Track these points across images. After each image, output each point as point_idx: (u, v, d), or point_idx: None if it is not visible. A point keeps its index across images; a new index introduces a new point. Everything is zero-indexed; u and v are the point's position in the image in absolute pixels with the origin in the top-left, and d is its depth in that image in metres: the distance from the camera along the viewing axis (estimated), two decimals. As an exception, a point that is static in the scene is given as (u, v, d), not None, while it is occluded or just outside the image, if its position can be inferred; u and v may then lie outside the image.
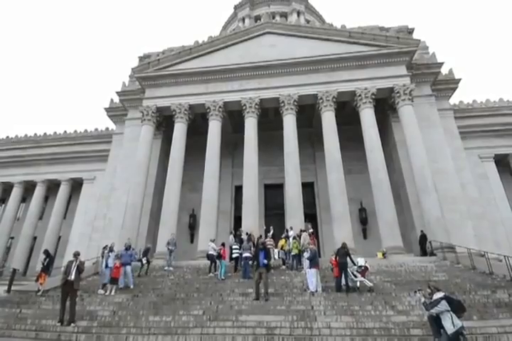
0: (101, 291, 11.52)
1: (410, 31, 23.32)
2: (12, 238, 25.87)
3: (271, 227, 15.66)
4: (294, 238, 13.78)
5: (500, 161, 21.72)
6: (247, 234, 14.59)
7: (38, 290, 12.03)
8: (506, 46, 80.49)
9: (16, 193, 26.42)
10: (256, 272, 10.27)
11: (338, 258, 10.69)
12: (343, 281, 10.43)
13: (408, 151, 17.64)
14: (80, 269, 9.11)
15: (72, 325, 8.73)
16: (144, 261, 13.99)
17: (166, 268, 14.43)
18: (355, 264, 10.83)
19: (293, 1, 39.03)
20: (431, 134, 18.84)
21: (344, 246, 11.09)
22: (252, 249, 12.30)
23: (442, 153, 18.50)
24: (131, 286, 11.99)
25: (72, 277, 8.89)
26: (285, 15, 37.46)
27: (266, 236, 14.94)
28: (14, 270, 15.66)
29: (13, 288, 13.26)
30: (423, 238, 15.61)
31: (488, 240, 16.41)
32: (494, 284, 10.25)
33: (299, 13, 38.46)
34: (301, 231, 14.13)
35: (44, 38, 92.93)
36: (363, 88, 18.70)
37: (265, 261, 10.39)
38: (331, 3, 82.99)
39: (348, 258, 10.67)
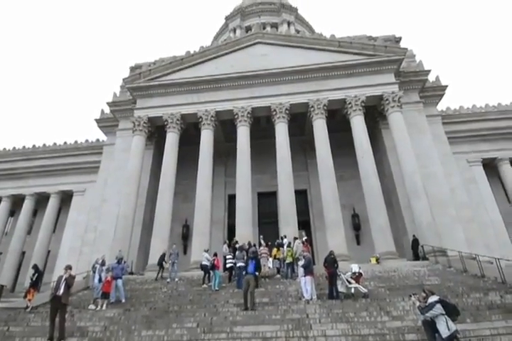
0: (92, 306, 11.21)
1: (398, 40, 24.03)
2: (0, 253, 25.20)
3: (261, 236, 15.64)
4: (288, 246, 13.75)
5: (488, 165, 22.18)
6: (236, 242, 14.55)
7: (27, 307, 11.66)
8: (492, 52, 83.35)
9: (3, 207, 25.89)
10: (244, 281, 10.18)
11: (327, 266, 10.73)
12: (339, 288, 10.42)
13: (398, 157, 17.94)
14: (68, 283, 8.86)
15: (62, 341, 8.45)
16: (166, 265, 14.66)
17: (168, 280, 14.11)
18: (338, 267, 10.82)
19: (283, 12, 39.97)
20: (420, 140, 19.23)
21: (331, 253, 11.24)
22: (245, 258, 12.22)
23: (431, 158, 18.85)
24: (123, 300, 11.72)
25: (61, 291, 8.64)
26: (275, 26, 38.29)
27: (260, 245, 14.87)
28: (2, 286, 15.25)
29: (0, 305, 12.86)
30: (415, 242, 15.74)
31: (478, 243, 16.62)
32: (486, 287, 10.34)
33: (289, 24, 39.33)
34: (294, 238, 14.11)
35: (32, 49, 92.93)
36: (353, 96, 19.08)
37: (256, 273, 10.30)
38: (319, 14, 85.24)
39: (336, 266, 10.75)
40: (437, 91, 22.07)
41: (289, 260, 13.22)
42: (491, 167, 22.29)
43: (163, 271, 14.72)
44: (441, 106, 28.63)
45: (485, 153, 22.07)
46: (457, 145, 21.50)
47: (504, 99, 74.40)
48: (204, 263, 13.31)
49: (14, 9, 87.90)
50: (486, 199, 20.50)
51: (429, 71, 21.34)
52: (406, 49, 20.33)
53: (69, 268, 9.26)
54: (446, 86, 21.98)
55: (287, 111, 19.62)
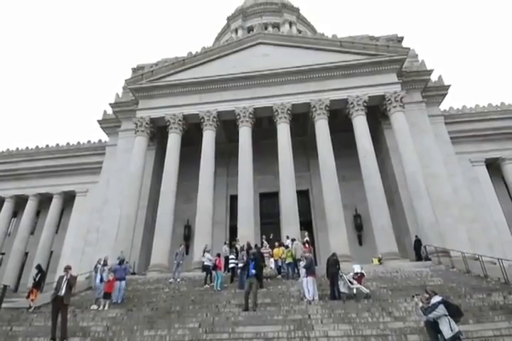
0: (94, 306, 11.25)
1: (400, 40, 23.93)
2: (3, 254, 25.29)
3: (263, 237, 15.67)
4: (287, 247, 13.78)
5: (491, 165, 22.03)
6: (236, 242, 14.58)
7: (30, 307, 11.74)
8: (494, 51, 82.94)
9: (6, 208, 25.98)
10: (246, 282, 10.20)
11: (328, 267, 10.73)
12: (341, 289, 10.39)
13: (400, 157, 17.87)
14: (70, 284, 8.89)
15: (65, 341, 8.48)
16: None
17: (171, 280, 14.08)
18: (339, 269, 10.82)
19: (285, 12, 39.97)
20: (422, 140, 19.14)
21: (334, 254, 11.26)
22: (245, 258, 12.24)
23: (434, 158, 18.76)
24: (119, 301, 11.64)
25: (63, 292, 8.67)
26: (277, 26, 38.29)
27: (262, 246, 14.87)
28: (5, 286, 15.20)
29: (3, 305, 12.88)
30: (418, 243, 15.66)
31: (481, 243, 16.51)
32: (489, 287, 10.29)
33: (290, 24, 39.35)
34: (292, 240, 14.09)
35: (35, 50, 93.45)
36: (355, 96, 19.03)
37: (253, 271, 10.28)
38: (321, 14, 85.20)
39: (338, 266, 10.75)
40: (440, 90, 21.98)
41: (288, 260, 13.22)
42: (494, 167, 22.13)
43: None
44: (444, 105, 28.43)
45: (488, 153, 21.90)
46: (460, 145, 21.36)
47: (507, 98, 73.94)
48: (206, 263, 13.33)
49: (16, 10, 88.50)
50: (489, 199, 20.35)
51: (432, 71, 21.26)
52: (408, 48, 20.26)
53: (69, 268, 9.31)
54: (449, 85, 21.88)
55: (289, 112, 19.59)
